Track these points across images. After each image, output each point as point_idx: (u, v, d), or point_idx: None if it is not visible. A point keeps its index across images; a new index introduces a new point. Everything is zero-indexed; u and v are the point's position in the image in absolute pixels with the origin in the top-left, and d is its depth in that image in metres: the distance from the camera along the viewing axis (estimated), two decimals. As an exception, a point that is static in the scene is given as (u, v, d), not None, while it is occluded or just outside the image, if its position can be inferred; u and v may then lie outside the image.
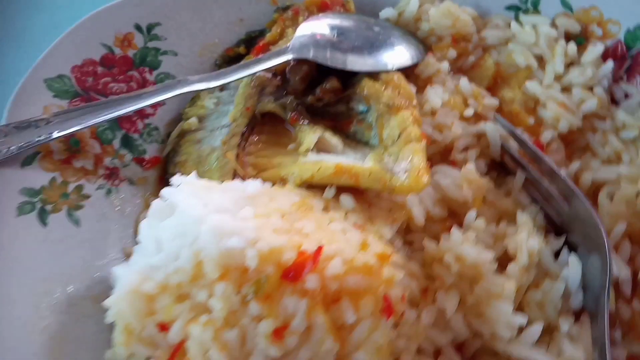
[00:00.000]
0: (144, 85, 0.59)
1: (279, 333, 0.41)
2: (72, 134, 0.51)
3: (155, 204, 0.46)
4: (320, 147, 0.54)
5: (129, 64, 0.59)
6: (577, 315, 0.51)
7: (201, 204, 0.43)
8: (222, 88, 0.59)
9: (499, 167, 0.59)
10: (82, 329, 0.47)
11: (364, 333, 0.42)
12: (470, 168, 0.54)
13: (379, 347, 0.42)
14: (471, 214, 0.52)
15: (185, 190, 0.45)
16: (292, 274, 0.41)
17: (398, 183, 0.49)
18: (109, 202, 0.54)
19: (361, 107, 0.57)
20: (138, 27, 0.59)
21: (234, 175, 0.53)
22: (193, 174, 0.48)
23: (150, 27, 0.60)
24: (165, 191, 0.46)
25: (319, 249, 0.41)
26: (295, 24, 0.63)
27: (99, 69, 0.57)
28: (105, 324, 0.48)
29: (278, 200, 0.47)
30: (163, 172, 0.58)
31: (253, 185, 0.47)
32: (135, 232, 0.54)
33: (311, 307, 0.41)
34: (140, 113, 0.57)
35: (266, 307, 0.41)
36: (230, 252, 0.41)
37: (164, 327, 0.43)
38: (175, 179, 0.46)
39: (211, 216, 0.42)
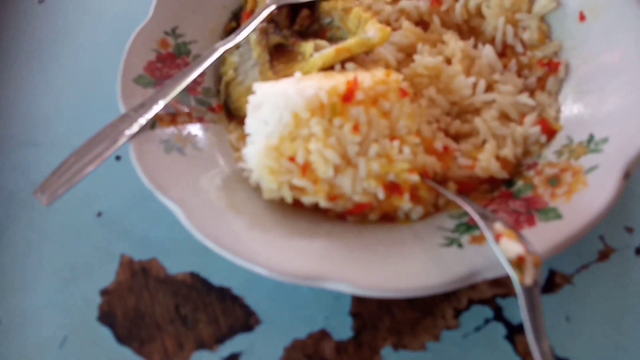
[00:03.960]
0: (187, 65, 0.87)
1: (355, 128, 0.69)
2: (168, 103, 0.78)
3: (250, 105, 0.74)
4: (317, 49, 0.84)
5: (173, 57, 0.86)
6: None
7: (279, 86, 0.73)
8: (237, 46, 0.87)
9: (418, 24, 0.92)
10: (240, 193, 0.74)
11: (397, 110, 0.71)
12: (406, 25, 0.87)
13: (409, 114, 0.71)
14: (419, 46, 0.83)
15: (264, 88, 0.74)
16: (348, 96, 0.71)
17: (375, 40, 0.80)
18: (208, 134, 0.81)
19: (327, 20, 0.88)
20: (166, 33, 0.87)
21: (278, 83, 0.82)
22: (260, 83, 0.77)
23: (173, 30, 0.88)
24: (252, 97, 0.74)
25: (355, 78, 0.72)
26: (260, -8, 0.93)
27: (159, 64, 0.84)
28: (251, 188, 0.75)
29: (314, 77, 0.77)
30: (228, 111, 0.86)
31: (297, 74, 0.77)
32: (231, 146, 0.82)
33: (365, 108, 0.68)
34: (195, 82, 0.85)
35: (343, 118, 0.68)
36: (310, 98, 0.68)
37: (292, 159, 0.67)
38: (255, 86, 0.75)
39: (290, 87, 0.71)
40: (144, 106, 0.76)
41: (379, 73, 0.75)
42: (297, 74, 0.75)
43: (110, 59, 0.98)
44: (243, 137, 0.80)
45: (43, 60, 1.02)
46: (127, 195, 0.83)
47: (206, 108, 0.84)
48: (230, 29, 0.92)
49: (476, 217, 0.65)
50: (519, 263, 0.58)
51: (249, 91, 0.83)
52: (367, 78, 0.71)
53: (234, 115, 0.85)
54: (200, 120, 0.81)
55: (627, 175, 0.64)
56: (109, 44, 1.02)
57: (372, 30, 0.81)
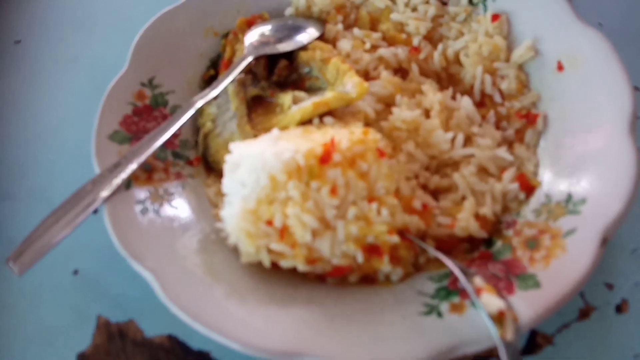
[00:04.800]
0: (165, 117, 0.85)
1: (333, 191, 0.68)
2: (144, 161, 0.77)
3: (227, 166, 0.73)
4: (296, 101, 0.84)
5: (150, 109, 0.85)
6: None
7: (256, 147, 0.72)
8: (216, 98, 0.86)
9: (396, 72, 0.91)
10: (218, 256, 0.73)
11: (375, 171, 0.70)
12: (384, 75, 0.86)
13: (387, 175, 0.70)
14: (398, 97, 0.83)
15: (241, 148, 0.73)
16: (325, 158, 0.70)
17: (353, 95, 0.79)
18: (186, 191, 0.80)
19: (306, 70, 0.88)
20: (143, 84, 0.86)
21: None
22: (237, 143, 0.76)
23: (150, 81, 0.87)
24: (229, 157, 0.73)
25: (332, 139, 0.71)
26: (238, 41, 0.92)
27: (135, 118, 0.83)
28: (228, 250, 0.74)
29: (292, 134, 0.76)
30: (206, 164, 0.85)
31: (274, 131, 0.76)
32: (209, 201, 0.81)
33: (343, 170, 0.67)
34: (173, 134, 0.84)
35: (320, 181, 0.67)
36: (287, 161, 0.66)
37: (269, 223, 0.66)
38: (232, 146, 0.74)
39: (267, 149, 0.70)
40: (119, 166, 0.75)
41: (357, 130, 0.74)
42: (275, 131, 0.75)
43: (87, 106, 0.97)
44: (221, 191, 0.78)
45: (18, 105, 1.00)
46: (104, 250, 0.81)
47: (184, 161, 0.83)
48: (208, 78, 0.91)
49: (456, 271, 0.66)
50: (499, 318, 0.59)
51: (227, 144, 0.82)
52: (345, 138, 0.71)
53: (212, 168, 0.84)
54: (177, 176, 0.80)
55: (604, 241, 0.64)
56: (86, 89, 1.00)
57: (350, 84, 0.81)
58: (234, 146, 0.73)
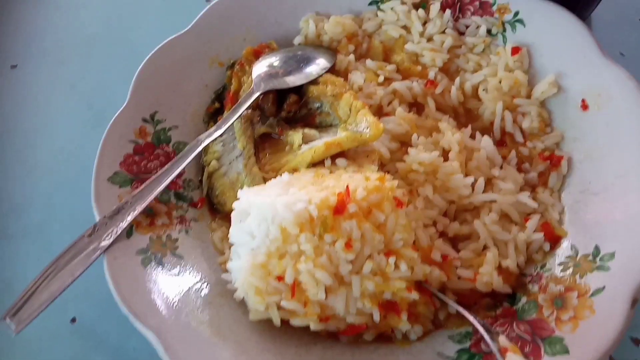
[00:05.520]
0: (168, 155, 0.81)
1: (348, 245, 0.64)
2: (146, 206, 0.73)
3: (234, 215, 0.69)
4: (306, 139, 0.79)
5: (152, 146, 0.81)
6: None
7: (265, 196, 0.67)
8: (222, 134, 0.82)
9: (412, 106, 0.87)
10: (224, 310, 0.69)
11: (392, 222, 0.66)
12: (399, 112, 0.82)
13: (405, 225, 0.66)
14: (414, 137, 0.79)
15: (250, 195, 0.69)
16: (340, 209, 0.66)
17: (367, 136, 0.75)
18: (190, 237, 0.76)
19: (317, 105, 0.83)
20: (145, 120, 0.82)
21: (264, 180, 0.77)
22: (246, 188, 0.71)
23: (152, 116, 0.82)
24: (236, 204, 0.69)
25: (347, 188, 0.66)
26: (245, 72, 0.88)
27: (136, 157, 0.78)
28: (236, 303, 0.70)
29: (303, 179, 0.72)
30: (211, 205, 0.81)
31: (284, 176, 0.72)
32: (214, 247, 0.77)
33: (358, 222, 0.64)
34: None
35: (334, 234, 0.64)
36: (299, 212, 0.63)
37: (280, 278, 0.62)
38: (240, 193, 0.69)
39: (277, 198, 0.66)
40: (120, 212, 0.71)
41: (373, 175, 0.70)
42: (285, 176, 0.71)
43: (85, 135, 0.93)
44: (227, 236, 0.74)
45: (13, 136, 0.95)
46: (102, 297, 0.76)
47: (187, 204, 0.78)
48: (213, 111, 0.87)
49: (480, 329, 0.62)
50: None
51: (234, 185, 0.78)
52: (360, 186, 0.67)
53: (217, 210, 0.79)
54: (180, 220, 0.76)
55: (634, 303, 0.60)
56: (84, 117, 0.96)
57: (364, 124, 0.76)
58: (242, 193, 0.68)
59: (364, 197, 0.65)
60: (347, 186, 0.66)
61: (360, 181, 0.68)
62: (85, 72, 1.02)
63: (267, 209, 0.65)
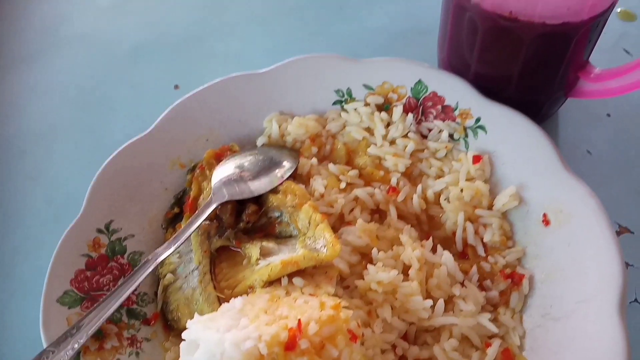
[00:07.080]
0: (122, 268, 0.79)
1: None
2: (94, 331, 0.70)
3: (183, 345, 0.67)
4: (264, 252, 0.78)
5: (106, 259, 0.78)
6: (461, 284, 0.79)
7: (214, 330, 0.65)
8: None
9: (374, 213, 0.86)
10: None
11: (346, 357, 0.65)
12: (360, 222, 0.80)
13: None
14: (374, 251, 0.77)
15: (199, 327, 0.66)
16: (290, 345, 0.64)
17: (323, 256, 0.73)
18: (141, 360, 0.73)
19: (276, 214, 0.82)
20: (99, 230, 0.79)
21: (219, 300, 0.75)
22: (197, 317, 0.69)
23: (107, 226, 0.80)
24: (186, 334, 0.67)
25: (299, 322, 0.64)
26: (205, 177, 0.86)
27: (88, 273, 0.76)
28: None
29: (257, 303, 0.70)
30: (165, 321, 0.78)
31: (237, 301, 0.69)
32: (167, 371, 0.74)
33: (310, 359, 0.64)
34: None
35: None
36: (248, 351, 0.61)
37: None
38: (189, 323, 0.67)
39: (226, 335, 0.64)
40: (67, 337, 0.68)
41: (329, 302, 0.68)
42: (237, 302, 0.69)
43: (42, 234, 0.91)
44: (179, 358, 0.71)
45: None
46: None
47: (140, 321, 0.76)
48: (172, 216, 0.85)
49: None
50: None
51: (189, 301, 0.76)
52: (314, 318, 0.65)
53: (171, 326, 0.77)
54: (131, 342, 0.73)
55: None
56: (42, 213, 0.94)
57: (322, 241, 0.75)
58: (191, 323, 0.66)
59: (316, 332, 0.63)
60: (299, 320, 0.64)
61: (315, 309, 0.66)
62: (46, 164, 1.00)
63: (216, 346, 0.62)
